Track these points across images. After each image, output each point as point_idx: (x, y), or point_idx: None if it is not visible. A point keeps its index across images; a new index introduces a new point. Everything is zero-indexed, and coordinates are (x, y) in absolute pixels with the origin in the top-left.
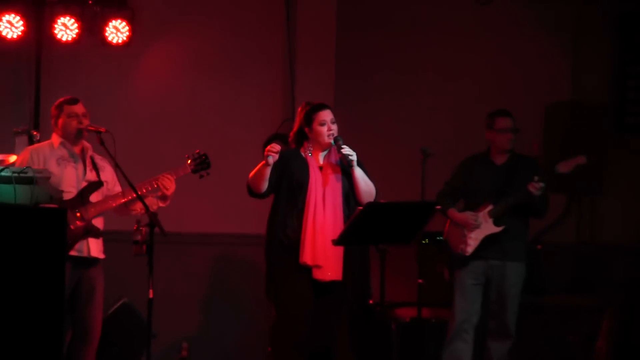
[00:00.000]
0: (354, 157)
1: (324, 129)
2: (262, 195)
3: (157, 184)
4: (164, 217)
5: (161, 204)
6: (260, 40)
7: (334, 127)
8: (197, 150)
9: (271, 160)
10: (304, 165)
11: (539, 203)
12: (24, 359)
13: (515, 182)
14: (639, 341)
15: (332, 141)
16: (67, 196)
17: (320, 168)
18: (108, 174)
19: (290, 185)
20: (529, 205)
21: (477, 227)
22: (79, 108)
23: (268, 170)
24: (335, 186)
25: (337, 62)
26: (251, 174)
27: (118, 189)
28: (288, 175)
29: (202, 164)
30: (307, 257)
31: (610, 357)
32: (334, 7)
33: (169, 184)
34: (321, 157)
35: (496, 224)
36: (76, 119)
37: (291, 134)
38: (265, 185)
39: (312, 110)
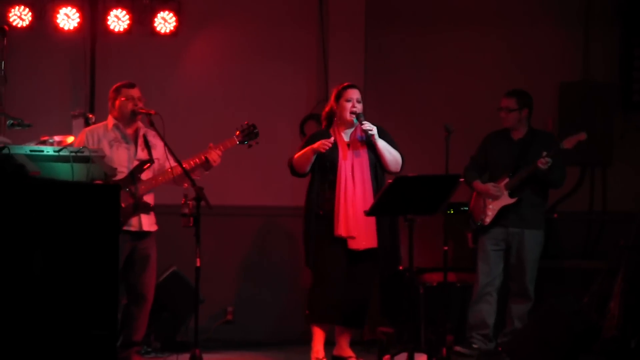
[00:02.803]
0: (374, 131)
1: (349, 104)
2: (304, 175)
3: (205, 157)
4: (209, 191)
5: (205, 172)
6: (295, 30)
7: (359, 105)
8: (246, 122)
9: (323, 150)
10: (334, 144)
11: (554, 175)
12: (83, 322)
13: (529, 155)
14: None
15: (354, 118)
16: (119, 175)
17: (348, 145)
18: (160, 151)
19: (322, 162)
20: (545, 178)
21: (497, 197)
22: (135, 92)
23: (314, 156)
24: (362, 160)
25: (366, 48)
26: (296, 155)
27: (169, 165)
28: (320, 154)
29: (250, 134)
30: (341, 230)
31: (621, 317)
32: (363, 0)
33: (217, 158)
34: (347, 135)
35: (511, 195)
36: (132, 101)
37: (323, 113)
38: (308, 168)
39: (342, 88)
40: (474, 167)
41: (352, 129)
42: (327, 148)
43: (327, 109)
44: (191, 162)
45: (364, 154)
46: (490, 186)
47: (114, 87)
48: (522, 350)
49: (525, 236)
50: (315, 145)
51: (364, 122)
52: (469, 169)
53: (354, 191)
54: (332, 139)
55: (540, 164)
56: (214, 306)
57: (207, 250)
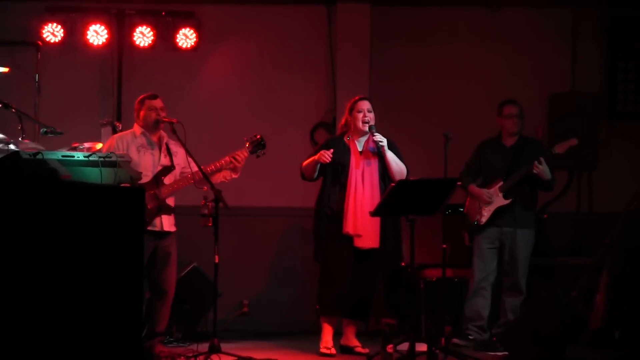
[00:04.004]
0: (384, 142)
1: (360, 115)
2: (313, 180)
3: (223, 162)
4: (227, 193)
5: (234, 175)
6: (305, 45)
7: (370, 115)
8: (257, 135)
9: (324, 161)
10: (346, 150)
11: (548, 179)
12: (111, 314)
13: (521, 161)
14: (631, 295)
15: (366, 128)
16: (144, 179)
17: (360, 152)
18: (180, 158)
19: (334, 166)
20: (538, 182)
21: (489, 203)
22: (157, 102)
23: (319, 166)
24: (372, 167)
25: (371, 61)
26: (304, 163)
27: (189, 170)
28: (333, 157)
29: (258, 145)
30: (349, 227)
31: (606, 310)
32: (368, 16)
33: (242, 158)
34: (360, 144)
35: (505, 197)
36: (155, 111)
37: (340, 125)
38: (316, 174)
39: (354, 101)
40: (469, 172)
41: (365, 138)
42: (326, 160)
43: (343, 121)
44: (211, 166)
45: (374, 162)
46: (483, 192)
47: (139, 98)
48: (515, 340)
49: (518, 235)
50: (317, 156)
51: (375, 134)
52: (464, 173)
53: (363, 193)
54: (332, 150)
55: (534, 169)
56: (231, 299)
57: (225, 247)
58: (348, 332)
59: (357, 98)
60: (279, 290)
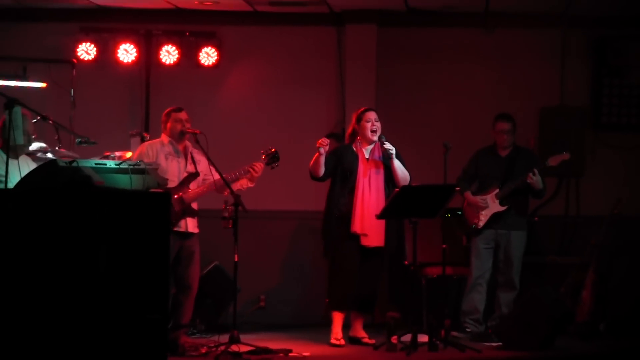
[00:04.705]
0: (393, 151)
1: (369, 124)
2: (321, 179)
3: (242, 171)
4: (245, 198)
5: (250, 185)
6: (317, 63)
7: (377, 124)
8: (271, 148)
9: (322, 150)
10: (354, 157)
11: (538, 190)
12: (140, 307)
13: (515, 170)
14: (615, 291)
15: (375, 137)
16: (170, 184)
17: (367, 159)
18: (203, 166)
19: (343, 171)
20: (530, 190)
21: (485, 208)
22: (182, 115)
23: (322, 159)
24: (378, 173)
25: (377, 77)
26: (310, 162)
27: (211, 178)
28: (341, 164)
29: (273, 158)
30: (356, 227)
31: (592, 305)
32: (374, 37)
33: (260, 169)
34: (367, 152)
35: (501, 204)
36: (180, 123)
37: (347, 134)
38: (322, 171)
39: (362, 112)
40: (465, 178)
41: (372, 146)
42: (323, 145)
43: (349, 130)
44: (236, 173)
45: (380, 168)
46: (478, 199)
47: (166, 111)
48: (509, 331)
49: (512, 236)
50: (317, 147)
51: (385, 143)
52: (461, 179)
53: (370, 196)
54: (326, 140)
55: (529, 179)
56: (249, 295)
57: (244, 247)
58: (356, 324)
59: (364, 108)
60: (292, 286)
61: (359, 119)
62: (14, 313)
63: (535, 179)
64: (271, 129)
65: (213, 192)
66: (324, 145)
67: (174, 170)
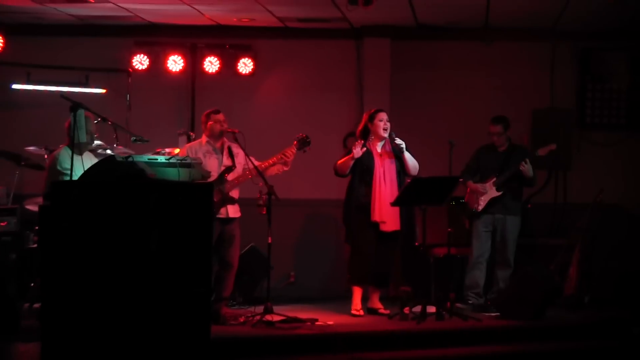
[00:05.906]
0: (403, 145)
1: (382, 123)
2: (345, 176)
3: (275, 159)
4: (278, 188)
5: (285, 168)
6: (339, 71)
7: (388, 124)
8: (301, 134)
9: (356, 156)
10: (370, 155)
11: (530, 178)
12: (187, 282)
13: (510, 163)
14: (598, 268)
15: (386, 135)
16: (210, 178)
17: (380, 155)
18: (241, 158)
19: (362, 167)
20: (523, 179)
21: (485, 193)
22: (220, 116)
23: (352, 162)
24: (391, 166)
25: (391, 83)
26: (339, 162)
27: (248, 169)
28: (361, 163)
29: (304, 142)
30: (376, 216)
31: (578, 280)
32: (389, 49)
33: (291, 154)
34: (379, 147)
35: (498, 190)
36: (219, 123)
37: (357, 130)
38: (348, 171)
39: (375, 112)
40: (468, 171)
41: (383, 143)
42: (358, 151)
43: (360, 127)
44: (270, 161)
45: (392, 161)
46: (479, 186)
47: (205, 113)
48: (506, 303)
49: (507, 221)
50: (353, 153)
51: (395, 138)
52: (464, 172)
53: (385, 187)
54: (362, 142)
55: (521, 168)
56: (281, 272)
57: (276, 231)
58: (373, 297)
59: (376, 109)
60: (318, 264)
61: (372, 118)
62: (81, 286)
63: (526, 167)
64: (299, 129)
65: (250, 183)
66: (359, 154)
67: (213, 166)
